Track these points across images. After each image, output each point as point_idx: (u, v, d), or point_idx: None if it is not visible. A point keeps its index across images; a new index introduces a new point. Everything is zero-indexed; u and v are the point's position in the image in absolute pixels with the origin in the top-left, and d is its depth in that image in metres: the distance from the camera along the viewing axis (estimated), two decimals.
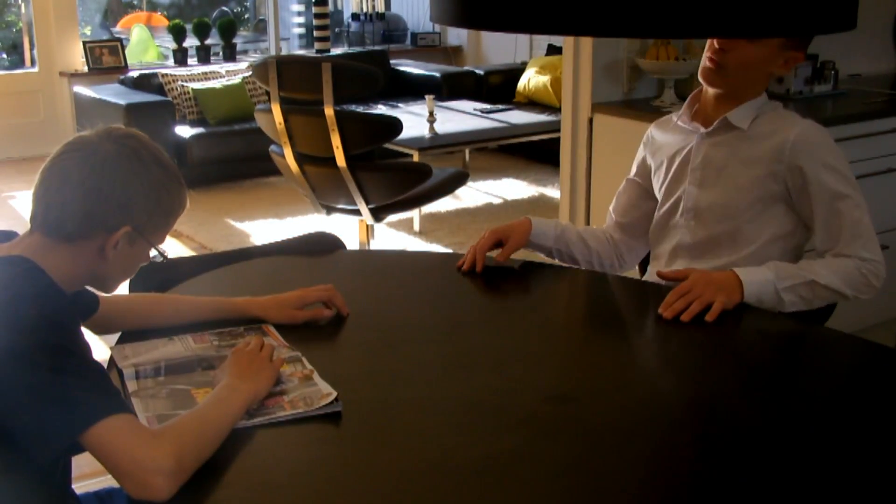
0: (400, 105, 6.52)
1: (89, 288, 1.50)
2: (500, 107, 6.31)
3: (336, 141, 3.63)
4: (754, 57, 1.85)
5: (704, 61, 1.89)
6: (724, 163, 1.93)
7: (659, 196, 2.06)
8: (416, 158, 4.90)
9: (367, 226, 4.23)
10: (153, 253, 1.44)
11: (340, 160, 3.68)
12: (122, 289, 1.88)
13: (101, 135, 1.37)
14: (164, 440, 1.18)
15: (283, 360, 1.51)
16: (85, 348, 1.25)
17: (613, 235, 2.13)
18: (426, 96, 5.41)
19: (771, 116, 1.91)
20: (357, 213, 3.97)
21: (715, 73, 1.88)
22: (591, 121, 3.47)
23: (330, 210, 4.11)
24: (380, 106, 6.54)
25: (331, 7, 7.97)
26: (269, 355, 1.47)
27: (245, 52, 7.93)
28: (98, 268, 1.38)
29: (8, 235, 1.41)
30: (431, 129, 5.24)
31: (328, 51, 7.22)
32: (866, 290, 1.83)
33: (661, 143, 2.06)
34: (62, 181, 1.34)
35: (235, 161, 6.23)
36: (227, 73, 6.60)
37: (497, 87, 7.08)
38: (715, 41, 1.87)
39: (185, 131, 6.06)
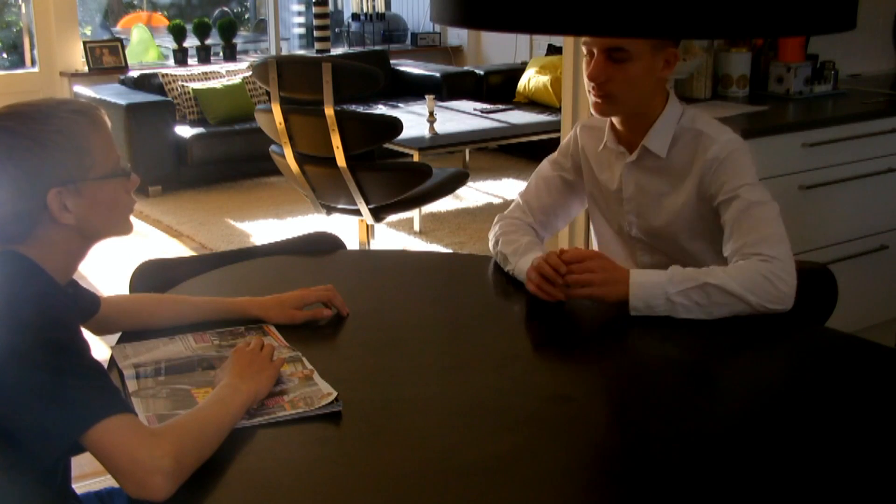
0: (400, 105, 6.53)
1: (91, 289, 1.49)
2: (501, 107, 6.32)
3: (336, 141, 3.63)
4: (633, 74, 1.79)
5: (590, 96, 1.84)
6: (656, 191, 1.91)
7: (596, 213, 2.05)
8: (416, 158, 4.90)
9: (368, 226, 4.23)
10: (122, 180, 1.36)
11: (340, 160, 3.68)
12: (123, 289, 1.89)
13: None
14: (163, 440, 1.18)
15: (284, 360, 1.51)
16: (85, 347, 1.24)
17: (538, 231, 2.06)
18: (426, 96, 5.41)
19: (688, 138, 1.86)
20: (357, 213, 3.97)
21: (605, 105, 1.83)
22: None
23: (330, 210, 4.11)
24: (380, 106, 6.54)
25: (331, 7, 7.97)
26: (269, 355, 1.47)
27: (245, 52, 7.93)
28: (78, 232, 1.33)
29: None
30: (431, 129, 5.24)
31: (328, 51, 7.22)
32: (774, 296, 1.67)
33: (593, 161, 2.00)
34: None
35: (235, 161, 6.23)
36: (228, 73, 6.60)
37: (497, 87, 7.08)
38: (588, 80, 1.80)
39: (185, 131, 6.06)
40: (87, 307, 1.56)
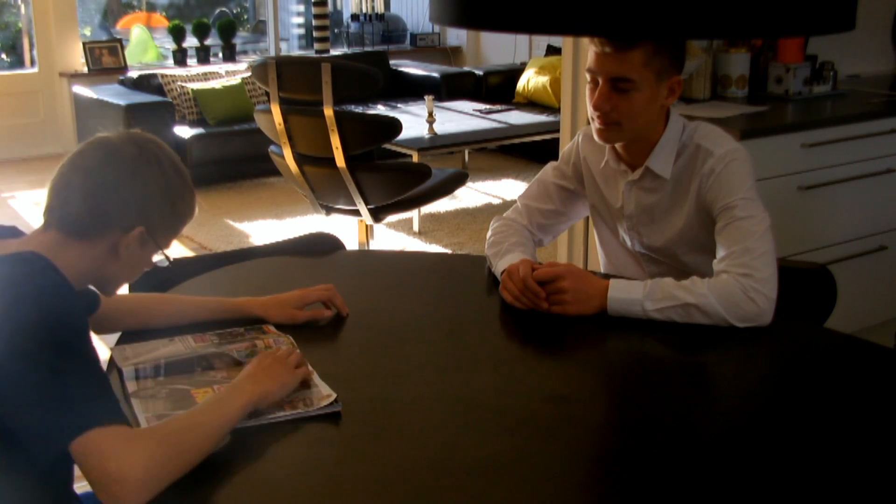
0: (399, 105, 6.53)
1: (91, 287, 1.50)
2: (500, 107, 6.32)
3: (335, 141, 3.63)
4: (638, 104, 1.78)
5: (595, 123, 1.84)
6: (656, 209, 1.91)
7: (601, 225, 2.06)
8: (415, 159, 4.90)
9: (367, 226, 4.23)
10: (158, 258, 1.46)
11: (340, 160, 3.68)
12: (123, 289, 1.89)
13: (122, 137, 1.40)
14: (137, 447, 1.16)
15: (311, 372, 1.47)
16: (90, 351, 1.24)
17: (535, 233, 2.07)
18: (425, 97, 5.41)
19: (688, 154, 1.85)
20: (356, 213, 3.97)
21: (609, 133, 1.83)
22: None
23: (329, 210, 4.11)
24: (379, 106, 6.55)
25: (330, 8, 7.97)
26: (293, 363, 1.45)
27: (244, 52, 7.94)
28: (107, 267, 1.40)
29: (14, 232, 1.41)
30: (431, 129, 5.24)
31: (328, 51, 7.22)
32: (752, 313, 1.68)
33: (597, 174, 2.00)
34: (83, 178, 1.36)
35: (235, 161, 6.24)
36: (227, 74, 6.60)
37: (496, 87, 7.09)
38: (592, 108, 1.80)
39: (184, 132, 6.06)
40: (89, 305, 1.56)
